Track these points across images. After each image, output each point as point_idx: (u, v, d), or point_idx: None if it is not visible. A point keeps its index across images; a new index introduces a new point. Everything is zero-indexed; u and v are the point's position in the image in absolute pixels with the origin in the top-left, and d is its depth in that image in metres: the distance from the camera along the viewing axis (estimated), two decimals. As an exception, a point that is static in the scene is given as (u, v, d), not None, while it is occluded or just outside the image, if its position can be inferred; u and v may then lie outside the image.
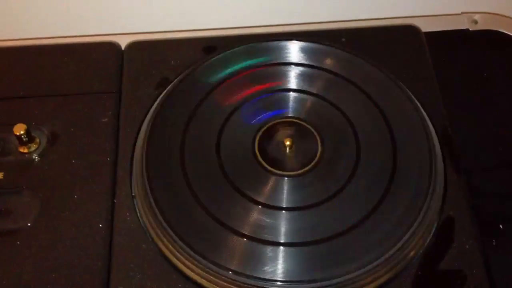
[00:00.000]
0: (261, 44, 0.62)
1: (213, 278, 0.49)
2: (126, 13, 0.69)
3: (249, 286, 0.48)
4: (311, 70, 0.60)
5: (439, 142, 0.57)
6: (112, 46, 0.64)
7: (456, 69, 0.63)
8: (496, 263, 0.51)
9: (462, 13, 0.68)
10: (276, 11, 0.70)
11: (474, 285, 0.49)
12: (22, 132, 0.55)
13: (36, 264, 0.50)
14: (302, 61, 0.61)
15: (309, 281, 0.48)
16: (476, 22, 0.67)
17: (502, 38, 0.66)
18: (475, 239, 0.51)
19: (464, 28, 0.66)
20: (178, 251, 0.50)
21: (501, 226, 0.53)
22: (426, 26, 0.65)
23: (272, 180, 0.54)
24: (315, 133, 0.56)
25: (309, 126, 0.57)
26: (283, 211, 0.52)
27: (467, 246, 0.51)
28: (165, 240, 0.51)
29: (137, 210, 0.53)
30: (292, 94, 0.59)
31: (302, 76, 0.60)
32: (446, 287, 0.49)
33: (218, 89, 0.59)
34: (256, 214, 0.52)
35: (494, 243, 0.52)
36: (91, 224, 0.52)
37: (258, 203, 0.52)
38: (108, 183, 0.54)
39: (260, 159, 0.55)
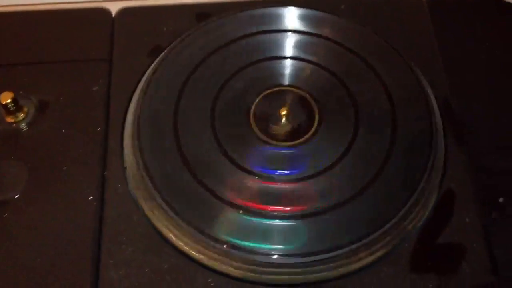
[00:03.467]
0: (257, 11, 0.61)
1: (206, 251, 0.48)
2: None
3: (243, 259, 0.47)
4: (308, 37, 0.59)
5: (440, 113, 0.55)
6: (102, 12, 0.62)
7: (458, 38, 0.62)
8: (496, 237, 0.50)
9: (464, -20, 0.66)
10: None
11: (473, 258, 0.48)
12: (8, 101, 0.53)
13: (24, 236, 0.49)
14: (300, 28, 0.59)
15: (305, 255, 0.47)
16: (478, -11, 0.65)
17: (504, 6, 0.64)
18: (476, 213, 0.50)
19: (467, -4, 0.65)
20: (170, 224, 0.49)
21: (500, 200, 0.52)
22: (427, -6, 0.64)
23: (267, 150, 0.52)
24: (313, 103, 0.55)
25: (306, 95, 0.55)
26: (279, 183, 0.51)
27: (467, 220, 0.50)
28: (157, 212, 0.50)
29: (128, 181, 0.52)
30: (289, 62, 0.58)
31: (299, 44, 0.59)
32: (445, 261, 0.48)
33: (211, 57, 0.57)
34: (251, 186, 0.50)
35: (493, 217, 0.51)
36: (81, 196, 0.51)
37: (253, 174, 0.51)
38: (98, 153, 0.53)
39: (256, 129, 0.53)
